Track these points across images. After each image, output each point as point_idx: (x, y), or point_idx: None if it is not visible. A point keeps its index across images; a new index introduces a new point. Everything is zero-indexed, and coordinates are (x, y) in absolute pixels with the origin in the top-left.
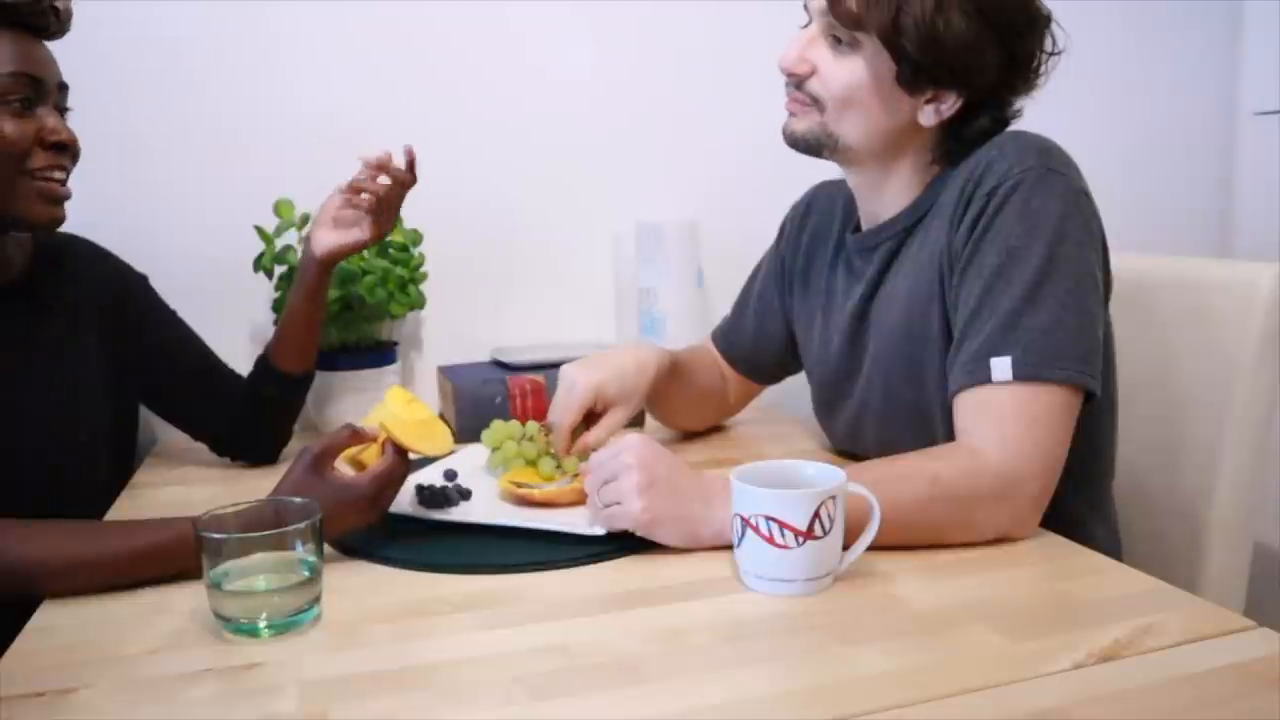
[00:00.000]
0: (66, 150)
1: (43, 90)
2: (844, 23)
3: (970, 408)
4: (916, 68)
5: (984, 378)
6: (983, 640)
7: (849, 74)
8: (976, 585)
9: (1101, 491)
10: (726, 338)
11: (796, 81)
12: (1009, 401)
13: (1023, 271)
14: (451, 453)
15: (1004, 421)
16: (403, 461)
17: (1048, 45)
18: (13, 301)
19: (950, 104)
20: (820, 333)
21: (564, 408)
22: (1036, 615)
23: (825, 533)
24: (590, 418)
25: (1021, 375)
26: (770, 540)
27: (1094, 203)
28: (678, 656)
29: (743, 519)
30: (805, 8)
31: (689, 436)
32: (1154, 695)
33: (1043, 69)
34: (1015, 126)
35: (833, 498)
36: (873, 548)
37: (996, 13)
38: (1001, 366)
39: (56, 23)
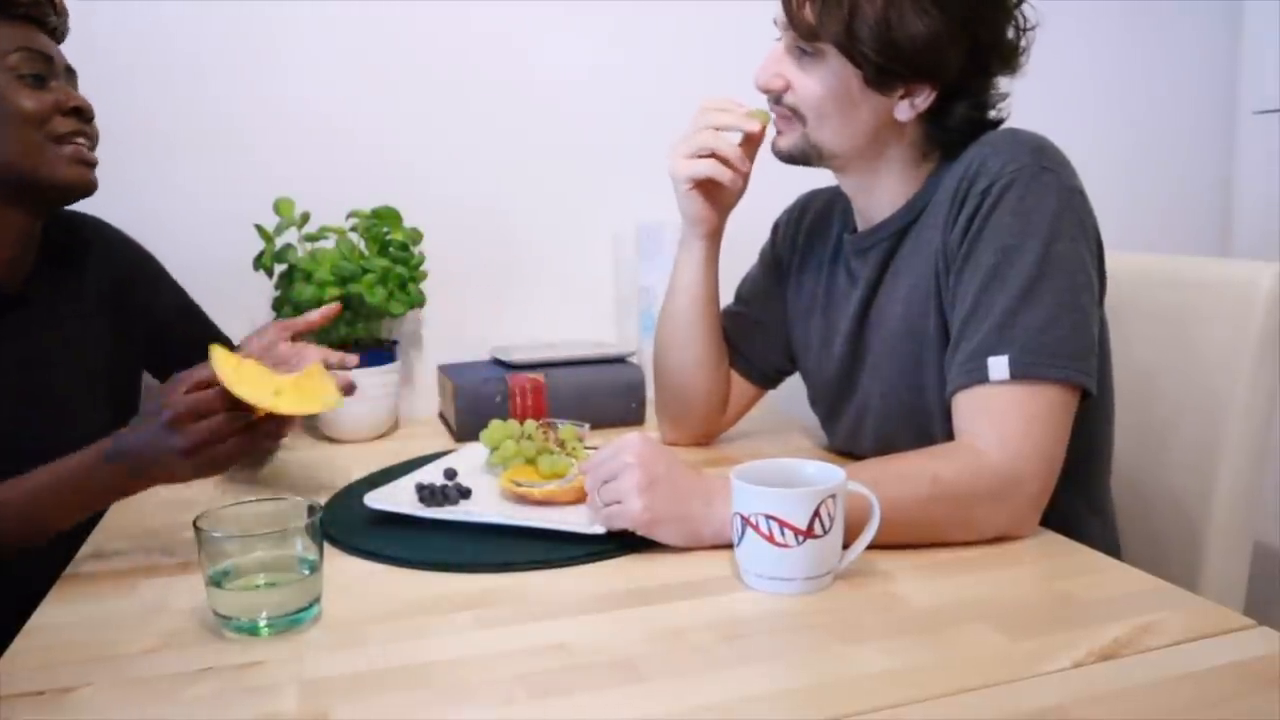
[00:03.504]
0: (84, 115)
1: (53, 68)
2: (802, 34)
3: (968, 407)
4: (879, 69)
5: (981, 377)
6: (982, 639)
7: (819, 83)
8: (976, 584)
9: (1100, 490)
10: (727, 336)
11: (774, 97)
12: (1007, 401)
13: (1018, 270)
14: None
15: (1002, 421)
16: (221, 401)
17: (1020, 23)
18: (23, 299)
19: (925, 97)
20: (820, 334)
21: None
22: (1036, 614)
23: (825, 531)
24: None
25: (1018, 374)
26: (770, 539)
27: (1088, 200)
28: (678, 655)
29: (743, 518)
30: (775, 23)
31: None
32: (1154, 694)
33: (1021, 48)
34: (1007, 108)
35: (833, 496)
36: (872, 547)
37: (951, 3)
38: (998, 366)
39: (55, 17)
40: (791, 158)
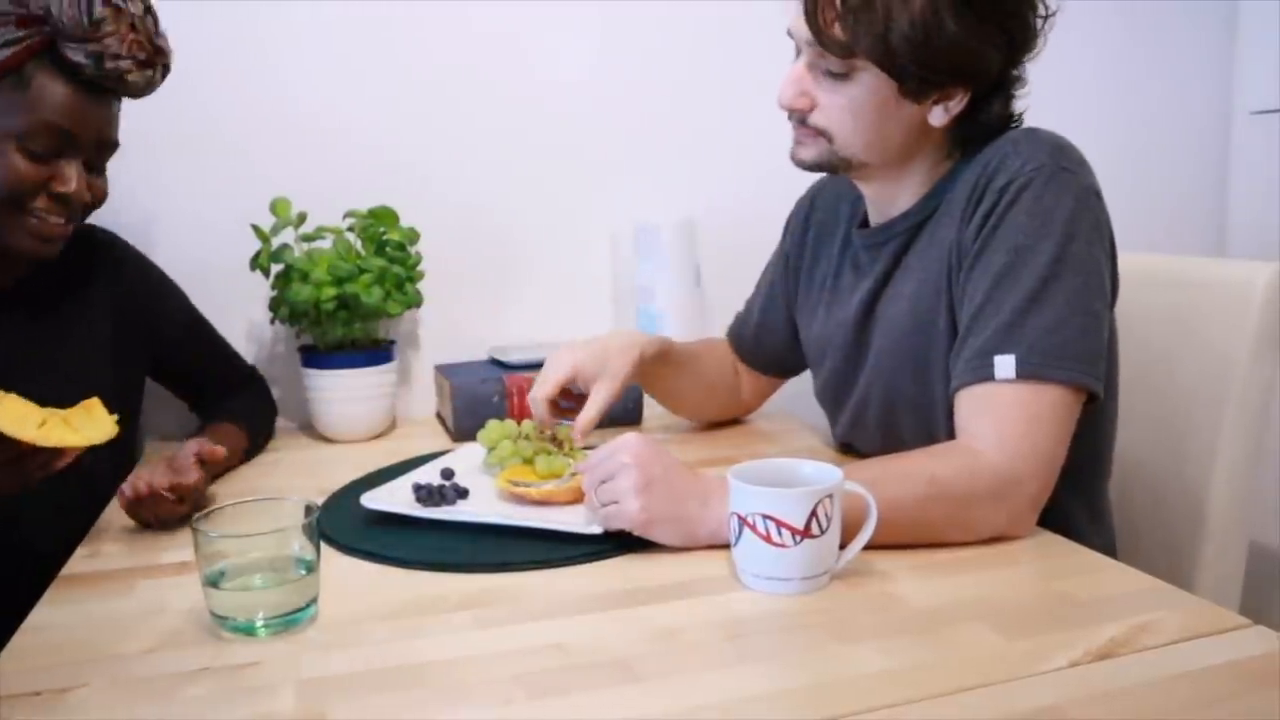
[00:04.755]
0: (70, 202)
1: (72, 144)
2: (834, 52)
3: (971, 405)
4: (918, 79)
5: (987, 375)
6: (980, 639)
7: (851, 102)
8: (973, 584)
9: (1098, 492)
10: (736, 332)
11: (799, 117)
12: (1010, 400)
13: (1031, 269)
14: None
15: (1004, 420)
16: None
17: (1040, 10)
18: (27, 298)
19: (959, 100)
20: (823, 327)
21: (540, 381)
22: (1033, 614)
23: (822, 531)
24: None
25: (1024, 374)
26: (767, 539)
27: (1104, 202)
28: (675, 655)
29: (740, 518)
30: (790, 34)
31: (686, 434)
32: (1150, 693)
33: (1041, 32)
34: (1028, 95)
35: (830, 496)
36: (870, 547)
37: (982, 2)
38: (1005, 364)
39: (125, 87)
40: (818, 166)
